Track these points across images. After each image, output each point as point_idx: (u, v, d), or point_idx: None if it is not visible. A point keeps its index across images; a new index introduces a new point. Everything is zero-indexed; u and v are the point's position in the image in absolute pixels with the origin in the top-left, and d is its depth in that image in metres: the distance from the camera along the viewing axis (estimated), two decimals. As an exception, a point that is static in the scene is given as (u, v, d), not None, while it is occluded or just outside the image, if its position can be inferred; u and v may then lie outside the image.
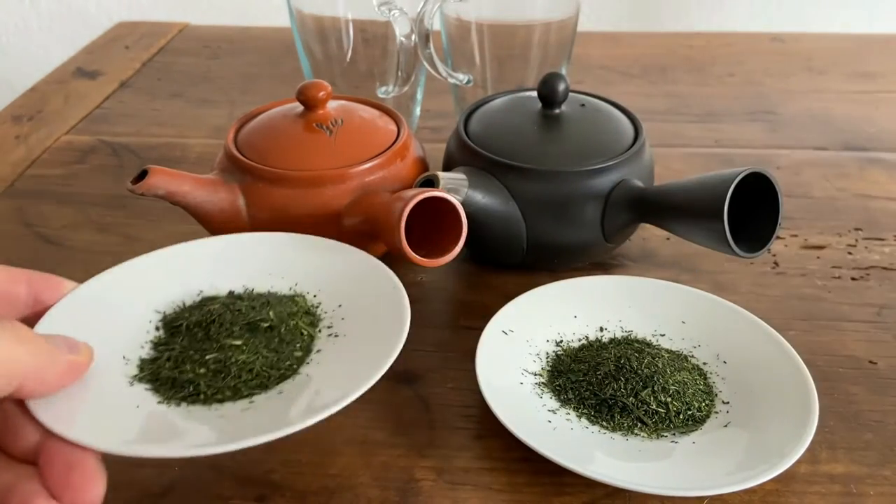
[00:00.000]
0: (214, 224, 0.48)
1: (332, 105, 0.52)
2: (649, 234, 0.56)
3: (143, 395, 0.36)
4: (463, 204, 0.44)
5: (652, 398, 0.41)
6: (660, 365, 0.42)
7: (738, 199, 0.44)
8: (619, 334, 0.46)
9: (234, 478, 0.38)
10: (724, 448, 0.39)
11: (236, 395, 0.36)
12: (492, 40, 0.62)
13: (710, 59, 0.86)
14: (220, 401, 0.36)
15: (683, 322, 0.46)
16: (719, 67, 0.84)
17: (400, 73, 0.60)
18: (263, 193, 0.47)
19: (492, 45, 0.62)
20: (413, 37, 0.58)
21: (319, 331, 0.41)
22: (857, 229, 0.57)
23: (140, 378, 0.37)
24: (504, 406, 0.39)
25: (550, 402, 0.42)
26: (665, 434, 0.40)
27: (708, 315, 0.46)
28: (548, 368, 0.44)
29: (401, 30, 0.58)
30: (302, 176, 0.47)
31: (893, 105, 0.76)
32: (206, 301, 0.42)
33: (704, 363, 0.44)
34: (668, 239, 0.56)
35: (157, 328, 0.40)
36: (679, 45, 0.90)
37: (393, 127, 0.52)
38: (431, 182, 0.45)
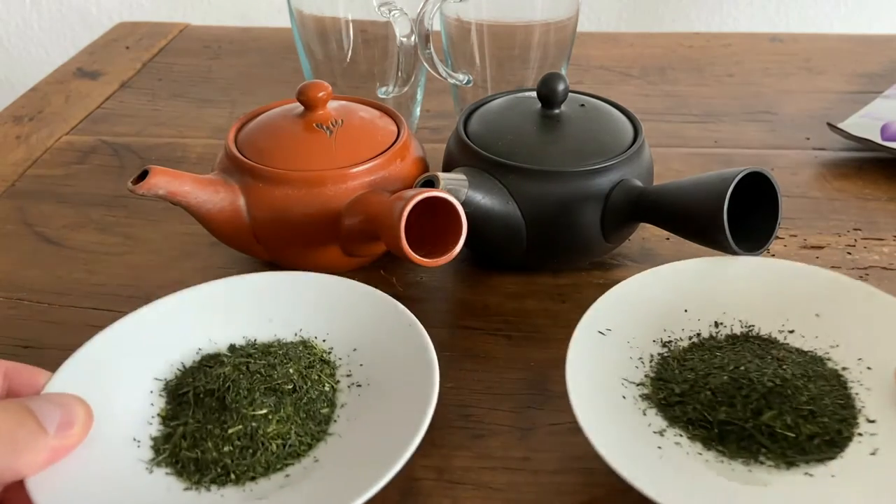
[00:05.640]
0: (215, 224, 0.48)
1: (332, 105, 0.52)
2: (649, 234, 0.56)
3: (167, 482, 0.33)
4: (463, 204, 0.44)
5: (777, 421, 0.33)
6: (788, 375, 0.34)
7: (737, 199, 0.44)
8: (738, 330, 0.39)
9: (234, 477, 0.38)
10: (873, 483, 0.31)
11: (269, 469, 0.33)
12: (492, 40, 0.62)
13: (709, 59, 0.86)
14: (253, 478, 0.33)
15: (818, 315, 0.39)
16: (718, 68, 0.84)
17: (400, 74, 0.60)
18: (264, 193, 0.47)
19: (492, 45, 0.62)
20: (413, 37, 0.58)
21: (338, 381, 0.38)
22: (856, 229, 0.57)
23: (158, 462, 0.34)
24: (603, 430, 0.32)
25: (657, 420, 0.34)
26: (796, 462, 0.33)
27: (850, 307, 0.38)
28: (652, 376, 0.37)
29: (401, 30, 0.58)
30: (302, 176, 0.47)
31: (892, 105, 0.76)
32: (209, 360, 0.38)
33: (844, 368, 0.36)
34: (667, 239, 0.56)
35: (162, 397, 0.37)
36: (678, 46, 0.90)
37: (393, 127, 0.52)
38: (431, 182, 0.45)
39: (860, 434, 0.33)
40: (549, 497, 0.38)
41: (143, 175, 0.44)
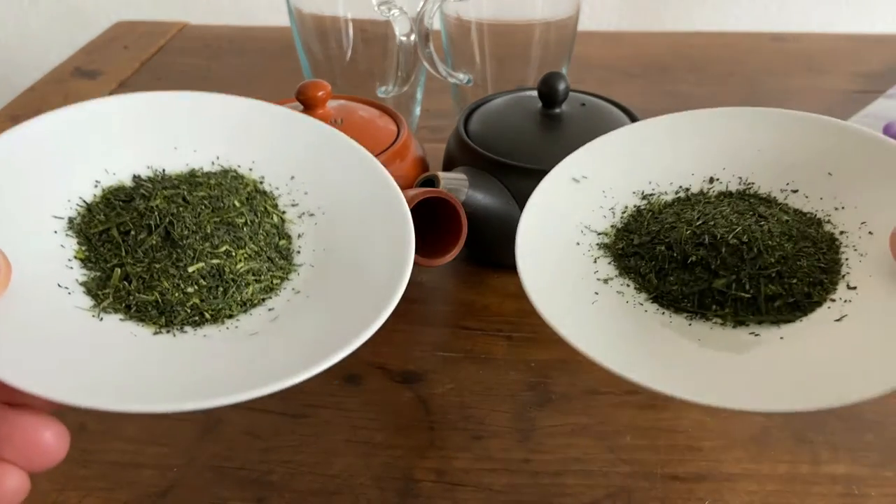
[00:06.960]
0: (214, 224, 0.48)
1: (332, 105, 0.52)
2: (650, 234, 0.56)
3: (128, 328, 0.28)
4: (463, 204, 0.43)
5: (734, 287, 0.30)
6: (758, 234, 0.31)
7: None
8: (734, 187, 0.35)
9: (233, 479, 0.38)
10: (821, 350, 0.27)
11: (247, 305, 0.30)
12: (492, 40, 0.61)
13: (710, 58, 0.86)
14: (231, 316, 0.30)
15: (830, 174, 0.34)
16: (720, 67, 0.84)
17: (400, 73, 0.59)
18: (263, 193, 0.47)
19: (492, 45, 0.62)
20: (413, 36, 0.58)
21: (284, 212, 0.34)
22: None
23: (104, 309, 0.29)
24: (536, 267, 0.30)
25: (607, 269, 0.32)
26: (746, 322, 0.29)
27: (869, 166, 0.33)
28: (619, 227, 0.34)
29: (401, 29, 0.58)
30: (301, 175, 0.47)
31: (894, 105, 0.76)
32: (117, 193, 0.33)
33: (842, 232, 0.33)
34: (668, 239, 0.56)
35: (70, 237, 0.31)
36: (679, 45, 0.90)
37: (393, 127, 0.52)
38: (432, 182, 0.45)
39: (833, 300, 0.30)
40: (549, 499, 0.37)
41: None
